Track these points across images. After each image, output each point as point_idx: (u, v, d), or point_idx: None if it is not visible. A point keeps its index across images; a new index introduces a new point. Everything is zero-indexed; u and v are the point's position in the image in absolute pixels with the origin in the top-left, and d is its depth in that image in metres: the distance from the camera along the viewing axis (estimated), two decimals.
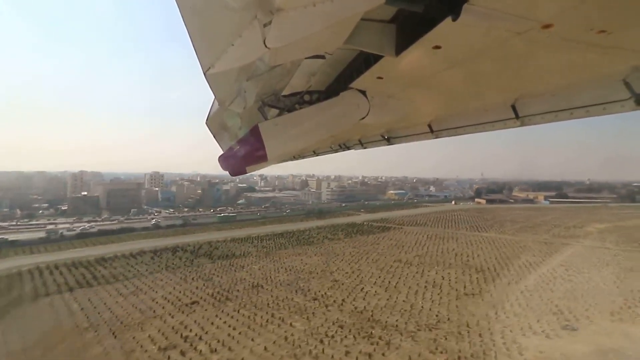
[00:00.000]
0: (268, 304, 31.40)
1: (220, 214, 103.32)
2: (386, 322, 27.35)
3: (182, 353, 22.93)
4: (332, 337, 24.86)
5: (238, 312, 29.67)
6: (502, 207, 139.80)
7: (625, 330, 25.55)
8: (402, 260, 47.44)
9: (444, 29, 1.87)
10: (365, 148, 6.56)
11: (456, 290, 34.91)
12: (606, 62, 2.34)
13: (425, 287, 35.98)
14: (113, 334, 25.66)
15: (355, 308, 30.20)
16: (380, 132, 5.62)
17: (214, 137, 5.42)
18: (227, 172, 3.68)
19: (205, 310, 30.33)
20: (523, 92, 3.30)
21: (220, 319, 28.27)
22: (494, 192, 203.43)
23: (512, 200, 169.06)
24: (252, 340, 24.52)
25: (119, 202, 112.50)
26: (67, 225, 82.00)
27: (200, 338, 24.87)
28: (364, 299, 32.64)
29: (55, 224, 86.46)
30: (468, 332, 25.50)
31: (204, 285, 37.15)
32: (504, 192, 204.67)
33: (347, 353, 22.70)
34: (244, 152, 3.21)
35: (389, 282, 37.71)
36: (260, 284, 37.09)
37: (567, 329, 25.84)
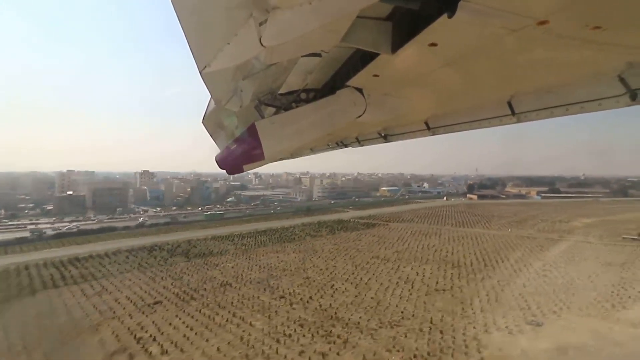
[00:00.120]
0: (232, 302, 30.60)
1: (207, 212, 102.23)
2: (349, 319, 26.65)
3: (131, 356, 22.09)
4: (290, 336, 24.13)
5: (200, 311, 28.86)
6: (493, 202, 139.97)
7: (591, 326, 25.00)
8: (379, 257, 46.80)
9: (440, 27, 1.86)
10: (362, 146, 6.57)
11: (428, 286, 34.30)
12: (601, 58, 2.34)
13: (397, 283, 35.34)
14: (62, 339, 24.67)
15: (320, 306, 29.49)
16: (377, 129, 5.61)
17: (211, 136, 5.36)
18: (224, 171, 3.60)
19: (167, 310, 29.49)
20: (519, 89, 3.30)
21: (179, 319, 27.45)
22: (487, 187, 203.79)
23: (503, 196, 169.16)
24: (207, 340, 23.73)
25: (104, 201, 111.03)
26: (48, 225, 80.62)
27: (154, 339, 24.02)
28: (332, 296, 31.94)
29: (37, 223, 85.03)
30: (430, 329, 24.87)
31: (172, 284, 36.28)
32: (497, 187, 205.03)
33: (301, 353, 21.98)
34: (241, 151, 3.20)
35: (361, 278, 37.03)
36: (230, 283, 36.28)
37: (532, 325, 25.27)
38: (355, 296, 31.82)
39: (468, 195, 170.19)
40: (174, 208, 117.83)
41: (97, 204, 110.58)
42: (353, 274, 39.00)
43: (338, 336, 23.99)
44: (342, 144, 6.89)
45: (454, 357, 21.14)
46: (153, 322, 26.88)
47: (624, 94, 2.62)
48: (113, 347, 23.11)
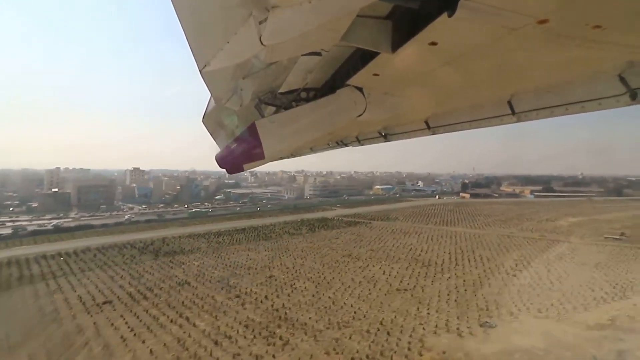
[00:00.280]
0: (183, 302, 29.62)
1: (192, 209, 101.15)
2: (297, 320, 25.70)
3: None
4: (230, 337, 23.16)
5: (147, 312, 27.87)
6: (485, 201, 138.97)
7: (546, 328, 24.05)
8: (352, 255, 45.83)
9: (440, 25, 1.86)
10: (362, 145, 6.52)
11: (390, 285, 33.33)
12: (601, 58, 2.33)
13: (360, 282, 34.37)
14: None
15: (273, 305, 28.52)
16: (377, 128, 5.54)
17: (211, 135, 5.26)
18: (223, 170, 3.51)
19: (114, 310, 28.51)
20: (519, 88, 3.29)
21: (124, 319, 26.48)
22: (481, 186, 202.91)
23: (496, 195, 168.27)
24: (143, 342, 22.76)
25: (89, 199, 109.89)
26: (26, 222, 79.62)
27: (86, 344, 22.99)
28: (289, 295, 30.98)
29: (17, 221, 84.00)
30: (378, 330, 23.92)
31: (129, 283, 35.28)
32: (492, 186, 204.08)
33: (235, 355, 21.03)
34: (241, 150, 3.17)
35: (325, 277, 36.09)
36: (189, 282, 35.29)
37: (484, 327, 24.32)
38: (313, 295, 30.87)
39: (461, 194, 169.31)
40: (161, 205, 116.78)
41: (82, 201, 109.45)
42: (318, 272, 38.05)
43: (280, 337, 23.03)
44: (342, 143, 6.84)
45: None
46: (94, 323, 25.88)
47: (624, 93, 2.58)
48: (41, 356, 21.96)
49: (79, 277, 37.84)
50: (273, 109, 3.79)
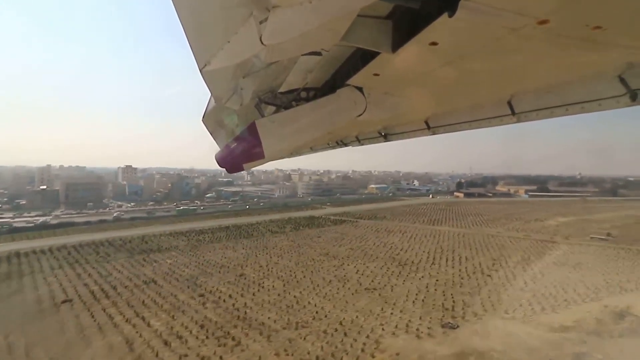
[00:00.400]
0: (144, 301, 28.86)
1: (180, 207, 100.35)
2: (256, 320, 24.97)
3: None
4: (181, 338, 22.41)
5: (104, 311, 27.10)
6: (478, 200, 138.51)
7: (508, 330, 23.35)
8: (329, 254, 45.11)
9: (440, 26, 1.85)
10: (362, 145, 6.48)
11: (360, 284, 32.60)
12: (601, 58, 2.32)
13: (330, 281, 33.66)
14: None
15: (234, 304, 27.79)
16: (377, 128, 5.53)
17: (211, 134, 5.26)
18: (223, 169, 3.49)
19: (72, 309, 27.71)
20: (519, 89, 3.28)
21: (78, 319, 25.72)
22: (477, 186, 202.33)
23: (490, 194, 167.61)
24: (90, 344, 22.00)
25: (77, 196, 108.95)
26: (8, 220, 78.79)
27: (28, 351, 22.03)
28: (254, 294, 30.24)
29: (2, 218, 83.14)
30: (336, 330, 23.20)
31: (95, 281, 34.49)
32: (487, 186, 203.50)
33: (183, 357, 20.27)
34: (241, 150, 3.16)
35: (296, 276, 35.37)
36: (156, 280, 34.53)
37: (446, 328, 23.61)
38: (279, 294, 30.15)
39: (455, 193, 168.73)
40: (151, 203, 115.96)
41: (70, 198, 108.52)
42: (291, 271, 37.32)
43: (233, 338, 22.29)
44: (342, 143, 6.80)
45: None
46: (44, 324, 25.07)
47: (624, 94, 2.58)
48: None
49: (46, 276, 36.99)
50: (273, 108, 3.79)
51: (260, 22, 1.54)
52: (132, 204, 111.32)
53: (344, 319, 24.93)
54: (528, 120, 3.43)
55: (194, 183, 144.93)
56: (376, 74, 2.95)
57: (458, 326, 23.76)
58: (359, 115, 3.51)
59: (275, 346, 21.27)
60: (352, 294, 30.26)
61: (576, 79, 2.82)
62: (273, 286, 32.37)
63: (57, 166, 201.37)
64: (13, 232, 64.70)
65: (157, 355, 20.43)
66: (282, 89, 3.54)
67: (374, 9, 2.30)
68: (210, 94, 3.40)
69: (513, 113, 3.42)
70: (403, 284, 32.92)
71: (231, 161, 3.22)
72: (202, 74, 2.23)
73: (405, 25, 2.25)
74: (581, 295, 29.64)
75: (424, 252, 46.36)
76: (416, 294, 29.90)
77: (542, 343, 21.58)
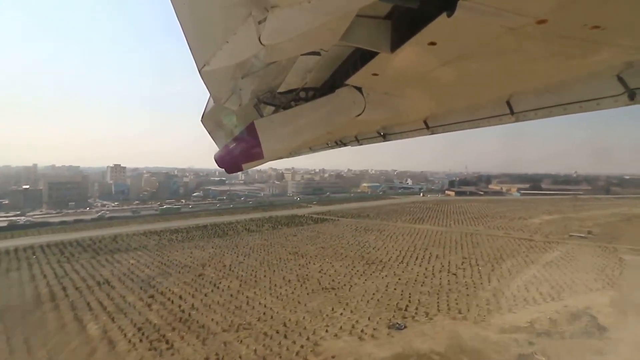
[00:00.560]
0: (90, 303, 27.86)
1: (163, 206, 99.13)
2: (197, 322, 24.03)
3: None
4: (113, 342, 21.44)
5: (44, 314, 26.07)
6: (468, 199, 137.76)
7: (457, 331, 22.49)
8: (298, 253, 44.19)
9: (439, 25, 1.86)
10: (361, 144, 6.49)
11: (319, 284, 31.72)
12: (600, 58, 2.33)
13: (290, 281, 32.75)
14: None
15: (181, 306, 26.83)
16: (376, 128, 5.52)
17: (210, 134, 5.24)
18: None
19: (12, 314, 26.64)
20: (517, 88, 3.31)
21: (15, 324, 24.66)
22: (470, 184, 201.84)
23: (481, 193, 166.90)
24: (12, 354, 20.98)
25: (60, 195, 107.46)
26: None
27: None
28: (206, 295, 29.28)
29: None
30: (277, 332, 22.29)
31: (47, 283, 33.40)
32: (480, 184, 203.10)
33: None
34: (240, 150, 3.17)
35: (256, 276, 34.44)
36: (110, 281, 33.48)
37: (392, 328, 22.75)
38: (231, 295, 29.20)
39: (446, 191, 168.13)
40: (136, 202, 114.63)
41: (53, 198, 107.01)
42: (253, 270, 36.39)
43: (167, 341, 21.35)
44: (341, 142, 6.80)
45: None
46: None
47: (623, 93, 2.60)
48: None
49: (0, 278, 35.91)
50: (272, 108, 3.77)
51: (259, 22, 1.54)
52: (116, 203, 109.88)
53: (289, 319, 24.04)
54: (527, 120, 3.44)
55: (182, 182, 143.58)
56: (375, 74, 2.94)
57: (405, 327, 22.91)
58: (358, 115, 3.51)
59: (208, 350, 20.34)
60: (308, 294, 29.36)
61: (575, 78, 2.81)
62: (229, 286, 31.42)
63: (49, 166, 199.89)
64: None
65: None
66: (281, 89, 3.52)
67: (373, 9, 2.28)
68: (209, 94, 3.41)
69: (512, 112, 3.43)
70: (364, 283, 32.04)
71: (230, 161, 3.21)
72: (201, 74, 2.21)
73: (404, 25, 2.24)
74: (543, 295, 28.82)
75: (395, 250, 45.50)
76: (373, 294, 29.02)
77: (487, 344, 20.76)
